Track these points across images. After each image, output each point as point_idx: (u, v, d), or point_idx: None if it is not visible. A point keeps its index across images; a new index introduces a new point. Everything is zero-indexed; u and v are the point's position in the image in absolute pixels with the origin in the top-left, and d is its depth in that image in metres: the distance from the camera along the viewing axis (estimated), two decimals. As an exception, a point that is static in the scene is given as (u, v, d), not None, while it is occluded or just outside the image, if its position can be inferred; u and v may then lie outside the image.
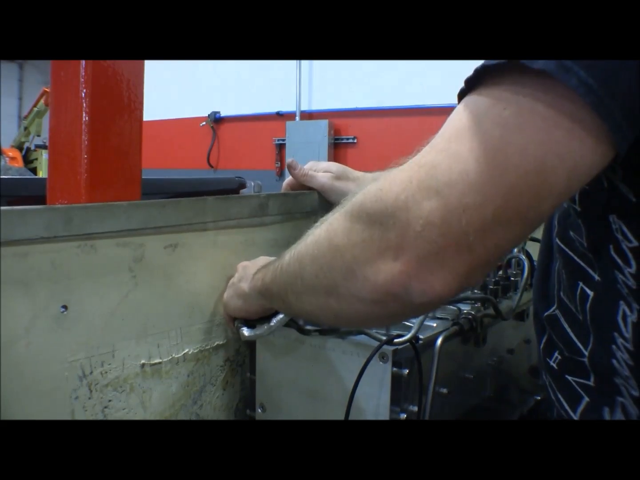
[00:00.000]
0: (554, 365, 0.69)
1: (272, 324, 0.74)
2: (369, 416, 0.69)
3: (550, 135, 0.43)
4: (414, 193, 0.45)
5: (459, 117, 0.46)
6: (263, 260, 0.78)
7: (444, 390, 0.74)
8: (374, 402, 0.69)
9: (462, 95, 0.48)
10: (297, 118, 5.65)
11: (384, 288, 0.48)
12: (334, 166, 1.02)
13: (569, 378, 0.66)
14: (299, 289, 0.60)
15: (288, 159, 1.02)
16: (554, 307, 0.69)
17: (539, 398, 1.03)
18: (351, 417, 0.68)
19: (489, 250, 0.46)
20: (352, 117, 5.39)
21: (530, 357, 1.06)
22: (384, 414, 0.68)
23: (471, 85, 0.47)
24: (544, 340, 0.72)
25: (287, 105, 5.71)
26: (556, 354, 0.69)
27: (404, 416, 0.68)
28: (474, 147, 0.44)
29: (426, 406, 0.69)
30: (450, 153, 0.45)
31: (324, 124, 5.35)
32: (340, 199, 0.97)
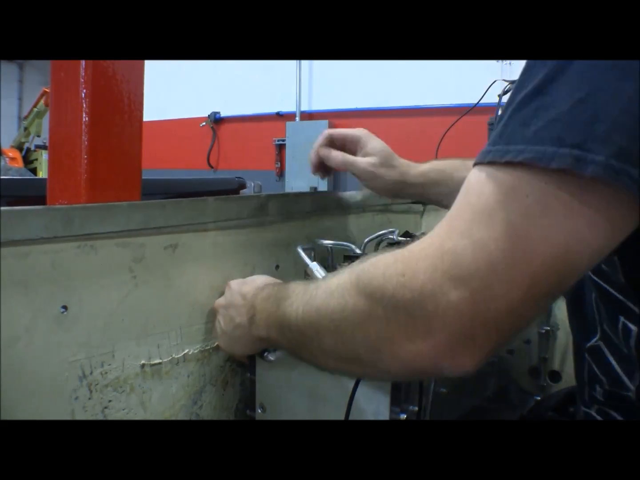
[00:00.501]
0: (600, 398, 0.66)
1: None
2: (369, 416, 0.69)
3: (574, 223, 0.43)
4: (441, 284, 0.45)
5: (479, 196, 0.45)
6: (237, 297, 0.76)
7: (444, 390, 0.74)
8: (374, 402, 0.69)
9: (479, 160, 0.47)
10: (297, 118, 5.65)
11: (412, 365, 0.48)
12: (378, 149, 0.94)
13: (613, 413, 0.63)
14: (316, 353, 0.59)
15: (322, 145, 0.95)
16: (595, 338, 0.66)
17: (538, 398, 1.03)
18: (351, 417, 0.68)
19: (515, 327, 0.46)
20: (352, 117, 5.38)
21: (530, 358, 1.06)
22: (384, 414, 0.68)
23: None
24: (584, 372, 0.69)
25: (287, 105, 5.71)
26: (598, 387, 0.66)
27: (404, 416, 0.68)
28: (498, 236, 0.43)
29: (426, 406, 0.69)
30: (473, 241, 0.44)
31: (324, 124, 5.35)
32: (383, 186, 0.95)
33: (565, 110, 0.42)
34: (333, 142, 0.96)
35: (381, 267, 0.50)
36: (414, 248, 0.49)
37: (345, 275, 0.55)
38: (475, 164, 0.47)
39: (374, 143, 0.95)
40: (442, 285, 0.44)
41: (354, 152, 0.96)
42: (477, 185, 0.46)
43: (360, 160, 0.94)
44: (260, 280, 0.78)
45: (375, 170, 0.93)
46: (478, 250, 0.44)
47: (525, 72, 0.46)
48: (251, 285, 0.76)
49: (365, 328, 0.50)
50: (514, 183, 0.44)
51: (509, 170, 0.44)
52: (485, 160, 0.46)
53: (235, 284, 0.79)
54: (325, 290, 0.57)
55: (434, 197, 0.97)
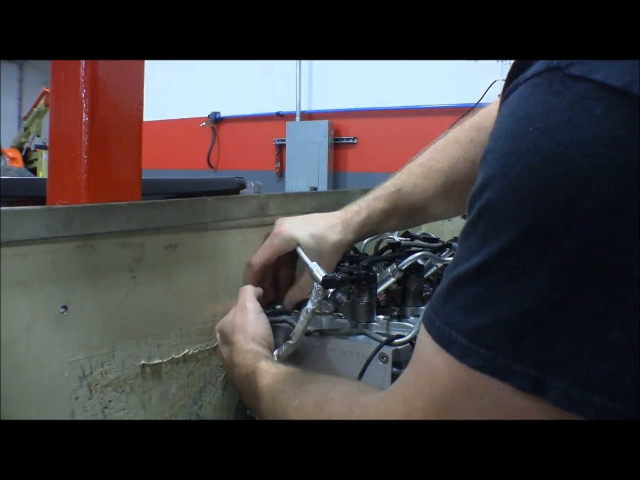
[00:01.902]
0: None
1: (291, 342, 0.75)
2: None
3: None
4: None
5: (433, 386, 0.44)
6: (220, 354, 0.79)
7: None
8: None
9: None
10: (297, 118, 5.66)
11: None
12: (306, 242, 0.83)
13: None
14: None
15: None
16: None
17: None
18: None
19: None
20: (352, 117, 5.39)
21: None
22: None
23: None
24: None
25: (287, 105, 5.72)
26: None
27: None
28: None
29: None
30: None
31: (324, 124, 5.36)
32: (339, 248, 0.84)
33: (512, 318, 0.39)
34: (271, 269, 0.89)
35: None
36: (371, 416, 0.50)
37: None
38: (423, 320, 0.45)
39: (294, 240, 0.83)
40: None
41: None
42: (430, 369, 0.44)
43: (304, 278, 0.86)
44: (231, 335, 0.78)
45: (321, 251, 0.83)
46: None
47: (479, 219, 0.41)
48: (228, 349, 0.77)
49: None
50: (467, 381, 0.41)
51: (459, 364, 0.41)
52: (431, 334, 0.44)
53: (218, 336, 0.80)
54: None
55: (391, 229, 0.92)
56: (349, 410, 0.54)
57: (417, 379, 0.46)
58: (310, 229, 0.83)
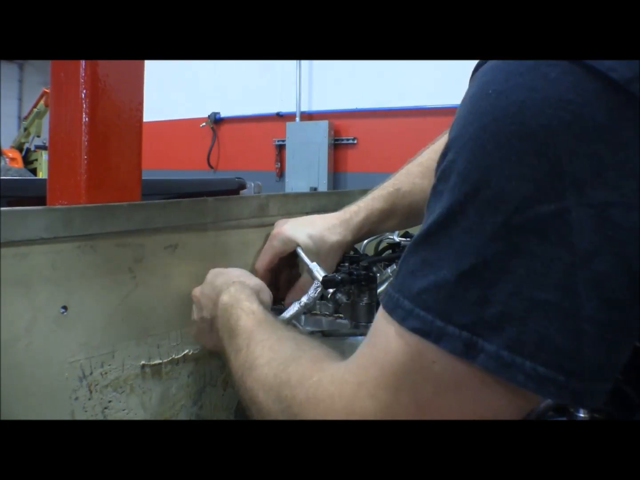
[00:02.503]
0: None
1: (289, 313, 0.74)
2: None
3: (488, 396, 0.40)
4: None
5: (386, 353, 0.43)
6: (209, 289, 0.75)
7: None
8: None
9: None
10: (297, 119, 5.65)
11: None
12: (305, 243, 0.83)
13: None
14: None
15: None
16: None
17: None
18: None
19: None
20: (352, 117, 5.39)
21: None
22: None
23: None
24: None
25: (287, 105, 5.71)
26: None
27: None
28: (405, 402, 0.42)
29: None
30: (379, 401, 0.44)
31: (324, 124, 5.35)
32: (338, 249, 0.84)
33: (450, 280, 0.39)
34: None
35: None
36: (328, 389, 0.49)
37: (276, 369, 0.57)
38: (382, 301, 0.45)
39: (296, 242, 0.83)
40: None
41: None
42: (384, 338, 0.43)
43: (304, 277, 0.85)
44: (234, 274, 0.76)
45: (321, 251, 0.82)
46: (384, 414, 0.43)
47: (436, 191, 0.42)
48: (223, 279, 0.74)
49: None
50: (419, 347, 0.40)
51: (403, 328, 0.41)
52: (382, 302, 0.44)
53: (210, 275, 0.77)
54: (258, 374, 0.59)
55: (390, 229, 0.92)
56: (309, 373, 0.53)
57: (373, 348, 0.45)
58: (308, 230, 0.83)
